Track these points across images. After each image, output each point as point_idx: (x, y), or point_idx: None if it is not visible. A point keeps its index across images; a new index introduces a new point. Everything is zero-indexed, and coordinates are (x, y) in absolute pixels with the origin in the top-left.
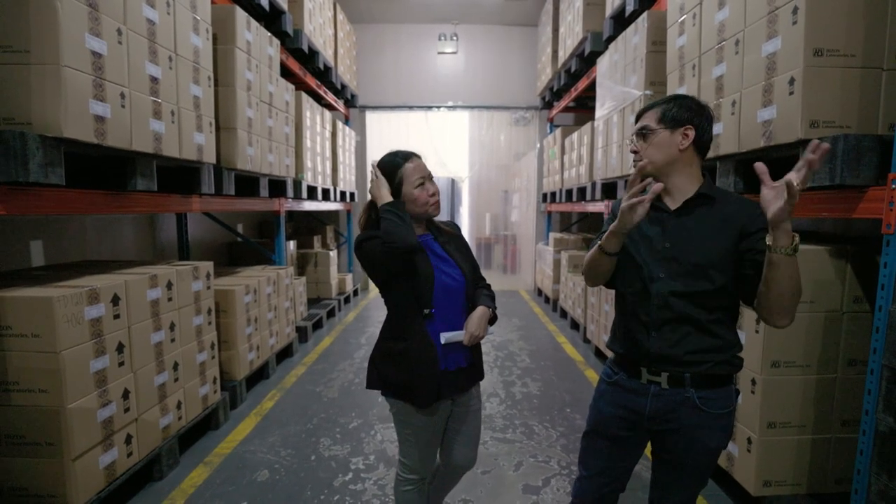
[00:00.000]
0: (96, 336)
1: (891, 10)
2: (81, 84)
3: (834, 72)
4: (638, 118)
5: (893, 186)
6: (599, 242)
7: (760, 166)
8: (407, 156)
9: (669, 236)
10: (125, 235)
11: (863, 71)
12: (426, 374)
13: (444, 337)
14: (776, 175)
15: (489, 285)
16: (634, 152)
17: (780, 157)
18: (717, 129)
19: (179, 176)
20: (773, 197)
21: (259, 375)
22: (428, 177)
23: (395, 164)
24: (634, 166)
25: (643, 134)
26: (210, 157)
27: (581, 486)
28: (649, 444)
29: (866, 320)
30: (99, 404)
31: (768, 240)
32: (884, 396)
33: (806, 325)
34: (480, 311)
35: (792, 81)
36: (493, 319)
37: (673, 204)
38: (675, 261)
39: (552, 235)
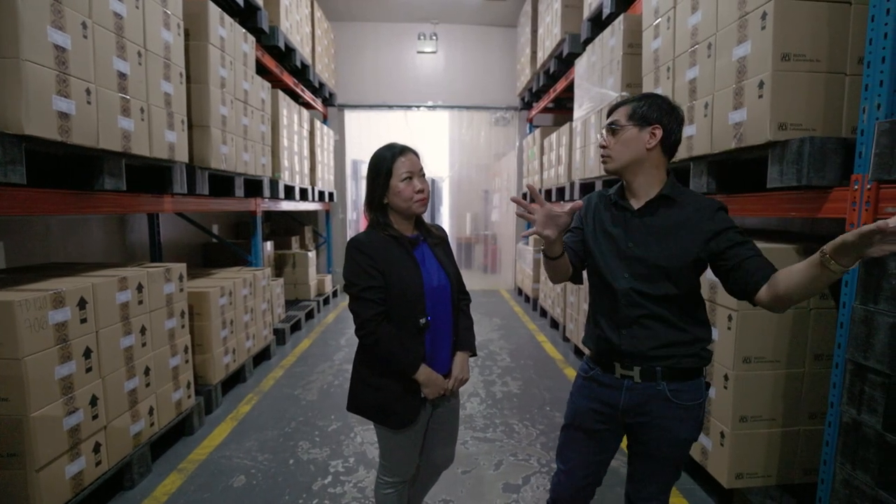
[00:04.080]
0: (61, 341)
1: (853, 18)
2: (44, 79)
3: (800, 76)
4: (610, 113)
5: (856, 187)
6: (544, 249)
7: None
8: (402, 149)
9: (633, 236)
10: (93, 236)
11: (827, 76)
12: (405, 400)
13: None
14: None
15: (469, 295)
16: (603, 147)
17: (751, 159)
18: (690, 130)
19: (150, 175)
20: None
21: (235, 379)
22: (417, 172)
23: (386, 156)
24: (603, 161)
25: (613, 129)
26: (182, 155)
27: (559, 480)
28: (625, 440)
29: (832, 316)
30: (65, 412)
31: (828, 249)
32: (847, 389)
33: (776, 322)
34: (462, 358)
35: (761, 85)
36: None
37: (636, 203)
38: (639, 261)
39: None
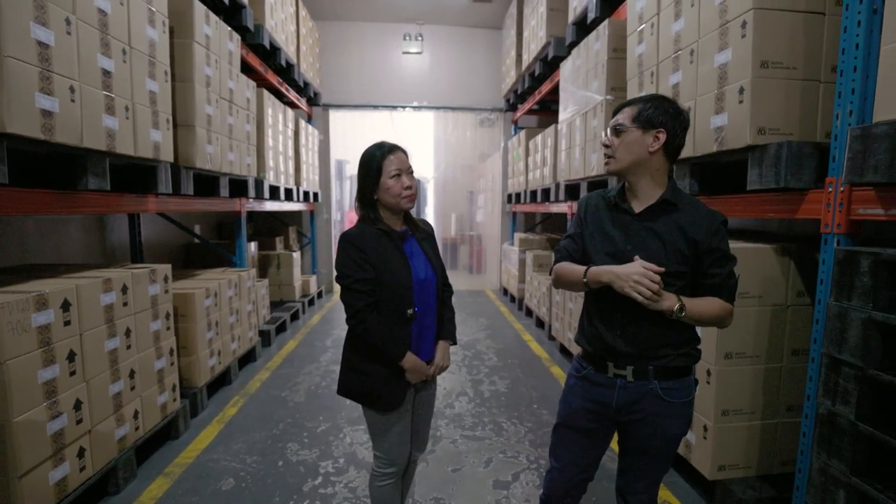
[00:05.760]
0: (45, 344)
1: (827, 29)
2: (27, 76)
3: (778, 83)
4: (616, 112)
5: (830, 189)
6: (586, 280)
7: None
8: (391, 147)
9: (632, 240)
10: (71, 237)
11: (803, 83)
12: (391, 384)
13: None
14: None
15: (451, 287)
16: (606, 146)
17: (731, 162)
18: None
19: (134, 175)
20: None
21: (221, 381)
22: (406, 170)
23: (376, 154)
24: (606, 162)
25: (617, 130)
26: (167, 155)
27: (552, 477)
28: (615, 436)
29: (808, 313)
30: (48, 416)
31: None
32: (823, 382)
33: (755, 319)
34: (444, 346)
35: (741, 91)
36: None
37: (637, 207)
38: None
39: (517, 235)
